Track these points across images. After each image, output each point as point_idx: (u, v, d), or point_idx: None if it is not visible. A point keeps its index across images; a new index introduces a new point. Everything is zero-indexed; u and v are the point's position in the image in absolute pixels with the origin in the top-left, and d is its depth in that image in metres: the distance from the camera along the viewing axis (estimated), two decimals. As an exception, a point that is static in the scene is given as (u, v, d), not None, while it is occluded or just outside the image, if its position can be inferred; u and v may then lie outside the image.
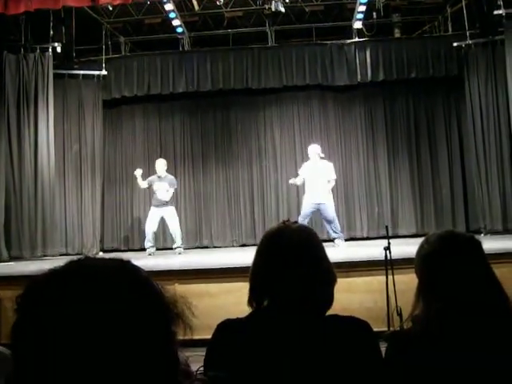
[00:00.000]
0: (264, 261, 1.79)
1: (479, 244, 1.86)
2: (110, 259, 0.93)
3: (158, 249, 9.46)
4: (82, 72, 10.31)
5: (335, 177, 8.97)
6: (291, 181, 9.08)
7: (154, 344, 0.85)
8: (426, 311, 1.76)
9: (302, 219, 8.53)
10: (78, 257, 0.92)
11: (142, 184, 9.32)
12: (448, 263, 1.78)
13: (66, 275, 0.86)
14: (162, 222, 9.31)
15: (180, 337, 0.92)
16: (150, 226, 9.20)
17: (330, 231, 8.83)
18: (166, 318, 0.89)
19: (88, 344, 0.80)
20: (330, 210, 8.82)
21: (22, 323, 0.83)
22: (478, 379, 1.61)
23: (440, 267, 1.79)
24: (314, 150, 8.99)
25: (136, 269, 0.92)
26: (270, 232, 1.86)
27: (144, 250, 9.30)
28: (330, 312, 1.83)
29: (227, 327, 1.79)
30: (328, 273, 1.81)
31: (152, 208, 9.26)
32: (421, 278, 1.86)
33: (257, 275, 1.81)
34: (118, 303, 0.83)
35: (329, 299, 1.79)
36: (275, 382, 1.63)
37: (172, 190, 9.22)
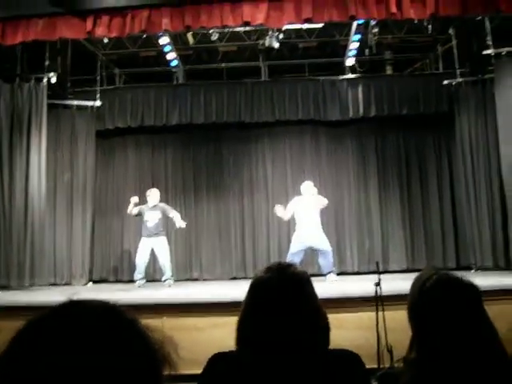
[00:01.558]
0: (252, 312, 1.77)
1: (478, 292, 1.78)
2: (96, 304, 0.92)
3: (147, 281, 9.38)
4: (76, 102, 10.36)
5: (326, 201, 8.95)
6: (279, 212, 8.87)
7: None
8: (418, 359, 1.72)
9: (292, 257, 8.44)
10: (63, 301, 0.91)
11: (133, 210, 9.23)
12: (444, 315, 1.71)
13: (49, 325, 0.86)
14: (152, 253, 9.23)
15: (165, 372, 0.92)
16: (141, 258, 9.12)
17: (324, 266, 8.78)
18: (152, 364, 0.88)
19: None
20: (326, 246, 8.78)
21: (7, 362, 0.83)
22: None
23: (435, 318, 1.73)
24: (308, 186, 9.00)
25: (122, 314, 0.91)
26: (259, 280, 1.83)
27: (133, 281, 9.22)
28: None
29: (219, 360, 1.78)
30: (322, 322, 1.80)
31: (143, 239, 9.18)
32: (415, 326, 1.80)
33: (246, 325, 1.79)
34: (102, 353, 0.83)
35: (324, 344, 1.78)
36: None
37: (176, 213, 9.13)
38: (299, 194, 9.15)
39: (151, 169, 11.14)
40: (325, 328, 1.80)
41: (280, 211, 8.88)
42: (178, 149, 11.18)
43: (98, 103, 10.43)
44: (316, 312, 1.80)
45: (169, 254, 9.24)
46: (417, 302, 1.80)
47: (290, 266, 1.88)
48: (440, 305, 1.73)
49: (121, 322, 0.90)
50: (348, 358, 1.77)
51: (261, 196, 10.96)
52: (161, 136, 11.07)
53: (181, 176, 11.11)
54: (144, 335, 0.90)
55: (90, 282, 10.30)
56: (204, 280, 10.51)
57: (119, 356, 0.84)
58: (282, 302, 1.75)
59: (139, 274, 9.12)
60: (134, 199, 9.21)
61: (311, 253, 9.04)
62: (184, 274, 10.61)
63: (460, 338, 1.68)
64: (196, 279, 10.63)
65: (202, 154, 11.11)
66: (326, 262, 8.79)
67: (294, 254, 8.61)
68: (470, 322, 1.70)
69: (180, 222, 9.06)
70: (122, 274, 10.77)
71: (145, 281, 9.20)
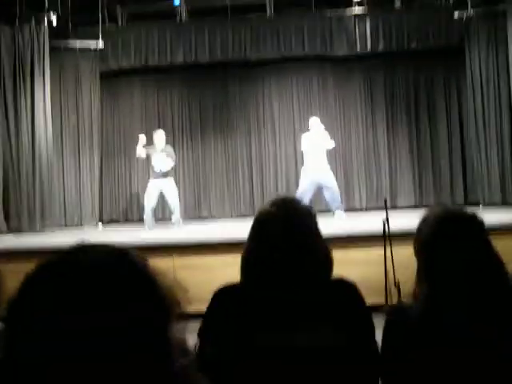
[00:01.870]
0: (257, 246, 1.80)
1: (481, 223, 1.79)
2: (107, 249, 0.93)
3: (157, 220, 9.45)
4: (78, 43, 10.19)
5: (332, 146, 8.99)
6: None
7: (148, 335, 0.86)
8: (425, 293, 1.73)
9: (301, 195, 8.48)
10: (74, 245, 0.92)
11: (141, 151, 9.19)
12: (448, 247, 1.72)
13: (59, 270, 0.87)
14: (161, 195, 9.27)
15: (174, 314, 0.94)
16: (149, 202, 9.15)
17: (331, 202, 8.84)
18: (161, 309, 0.90)
19: (79, 331, 0.81)
20: (332, 182, 8.83)
21: (17, 305, 0.85)
22: (475, 362, 1.61)
23: (439, 251, 1.74)
24: (316, 121, 8.96)
25: (133, 259, 0.92)
26: (264, 214, 1.85)
27: (143, 221, 9.30)
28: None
29: (224, 293, 1.82)
30: (325, 256, 1.83)
31: (151, 180, 9.19)
32: (420, 260, 1.82)
33: (249, 260, 1.82)
34: (113, 295, 0.85)
35: (326, 278, 1.82)
36: (270, 342, 1.66)
37: (170, 161, 9.12)
38: (306, 130, 9.10)
39: (157, 109, 11.08)
40: (327, 262, 1.84)
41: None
42: (184, 88, 11.07)
43: (100, 43, 10.25)
44: (319, 246, 1.83)
45: (177, 195, 9.28)
46: (422, 235, 1.82)
47: (294, 200, 1.90)
48: (444, 236, 1.75)
49: (131, 266, 0.91)
50: (344, 287, 1.83)
51: (268, 134, 10.91)
52: (166, 75, 10.94)
53: (187, 115, 11.04)
54: (153, 280, 0.92)
55: (100, 223, 10.40)
56: (213, 218, 10.59)
57: (129, 301, 0.86)
58: (286, 236, 1.77)
59: (147, 216, 9.18)
60: (142, 137, 9.14)
61: (319, 191, 9.04)
62: (193, 212, 10.70)
63: (466, 269, 1.69)
64: (205, 217, 10.72)
65: (207, 92, 11.00)
66: (334, 198, 8.84)
67: (302, 193, 8.64)
68: (475, 252, 1.72)
69: (165, 166, 9.02)
70: (132, 214, 10.88)
71: (154, 221, 9.26)
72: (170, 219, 9.34)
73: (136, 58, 10.42)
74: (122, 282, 0.88)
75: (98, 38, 10.23)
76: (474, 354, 1.61)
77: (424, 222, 1.86)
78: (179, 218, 9.22)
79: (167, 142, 9.41)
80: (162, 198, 9.43)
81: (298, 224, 1.81)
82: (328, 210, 8.74)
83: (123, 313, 0.84)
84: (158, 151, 9.13)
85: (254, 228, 1.86)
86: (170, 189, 9.15)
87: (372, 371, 1.77)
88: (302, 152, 9.05)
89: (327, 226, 7.59)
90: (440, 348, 1.63)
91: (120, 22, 10.78)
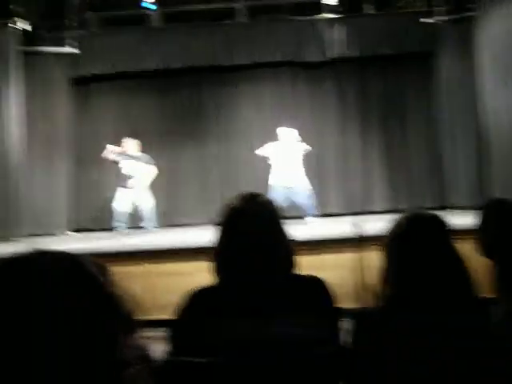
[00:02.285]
0: (227, 240, 1.86)
1: (443, 224, 1.85)
2: (58, 254, 0.93)
3: (129, 228, 9.37)
4: (49, 49, 10.08)
5: (306, 148, 9.00)
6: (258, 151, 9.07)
7: (95, 341, 0.87)
8: (390, 291, 1.77)
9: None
10: (28, 250, 0.92)
11: (110, 155, 9.09)
12: (410, 244, 1.79)
13: (12, 268, 0.88)
14: (135, 202, 9.19)
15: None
16: (119, 206, 9.07)
17: (303, 207, 8.84)
18: (111, 316, 0.90)
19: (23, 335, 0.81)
20: (304, 189, 8.82)
21: None
22: (440, 363, 1.62)
23: (402, 247, 1.79)
24: (284, 131, 8.96)
25: (85, 266, 0.93)
26: (233, 209, 1.93)
27: (114, 229, 9.21)
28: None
29: (195, 296, 1.86)
30: (287, 246, 1.92)
31: (120, 189, 9.10)
32: (385, 258, 1.86)
33: (220, 250, 1.90)
34: (61, 300, 0.85)
35: (289, 265, 1.90)
36: (242, 348, 1.67)
37: (147, 168, 9.05)
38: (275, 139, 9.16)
39: (130, 115, 10.98)
40: (289, 253, 1.92)
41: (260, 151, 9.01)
42: (157, 94, 11.00)
43: (72, 49, 10.16)
44: (285, 239, 1.92)
45: (149, 202, 9.21)
46: (388, 238, 1.88)
47: (258, 194, 1.99)
48: (407, 236, 1.82)
49: (81, 272, 0.91)
50: (313, 282, 1.90)
51: (240, 140, 10.88)
52: (138, 81, 10.87)
53: (160, 122, 10.96)
54: (105, 288, 0.92)
55: (71, 232, 10.27)
56: (184, 225, 10.52)
57: (77, 306, 0.86)
58: (253, 228, 1.85)
59: (118, 221, 9.09)
60: (110, 148, 9.08)
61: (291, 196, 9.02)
62: (165, 220, 10.60)
63: (428, 268, 1.74)
64: (179, 224, 10.64)
65: (180, 98, 10.96)
66: (306, 203, 8.83)
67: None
68: (436, 254, 1.77)
69: (142, 176, 8.94)
70: (104, 222, 10.73)
71: (125, 228, 9.16)
72: (142, 227, 9.25)
73: (108, 63, 10.36)
74: (71, 287, 0.87)
75: (69, 44, 10.13)
76: (439, 353, 1.62)
77: (392, 225, 1.92)
78: (152, 223, 9.16)
79: (142, 150, 9.34)
80: (133, 206, 9.34)
81: (264, 214, 1.89)
82: (299, 216, 8.72)
83: (69, 318, 0.84)
84: (129, 158, 9.05)
85: (223, 220, 1.94)
86: (142, 198, 9.08)
87: (335, 366, 1.78)
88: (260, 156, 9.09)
89: (299, 230, 7.58)
90: (404, 347, 1.64)
91: (92, 28, 10.69)
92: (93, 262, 2.02)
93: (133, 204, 9.17)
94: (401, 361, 1.64)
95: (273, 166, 8.95)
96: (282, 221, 1.93)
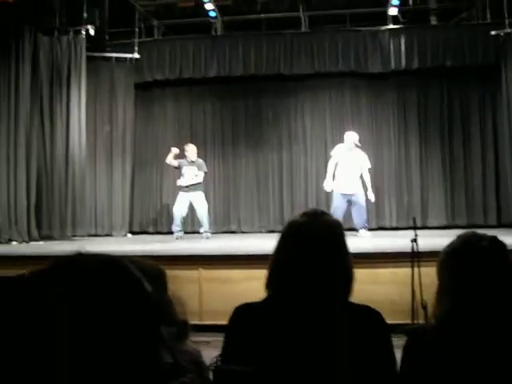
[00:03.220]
0: (286, 253, 1.81)
1: (503, 246, 1.80)
2: (103, 257, 0.93)
3: (185, 232, 9.49)
4: (114, 55, 10.37)
5: (370, 166, 8.92)
6: (326, 187, 8.96)
7: (131, 343, 0.86)
8: (443, 310, 1.73)
9: (335, 210, 8.43)
10: (73, 253, 0.93)
11: (173, 161, 9.28)
12: (466, 263, 1.74)
13: (56, 273, 0.88)
14: (191, 206, 9.32)
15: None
16: (178, 210, 9.23)
17: (357, 221, 8.75)
18: (149, 318, 0.89)
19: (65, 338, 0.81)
20: (361, 201, 8.76)
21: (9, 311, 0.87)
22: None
23: (458, 267, 1.75)
24: (352, 137, 8.92)
25: (128, 269, 0.92)
26: (296, 224, 1.86)
27: (172, 233, 9.35)
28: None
29: (244, 311, 1.81)
30: (345, 271, 1.82)
31: (180, 192, 9.28)
32: (440, 277, 1.82)
33: (277, 266, 1.82)
34: (104, 304, 0.85)
35: (346, 292, 1.81)
36: (288, 365, 1.64)
37: (202, 174, 9.21)
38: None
39: (190, 121, 11.15)
40: (349, 280, 1.82)
41: (328, 185, 8.92)
42: (217, 101, 11.13)
43: (136, 55, 10.42)
44: (348, 261, 1.83)
45: (207, 208, 9.31)
46: (444, 255, 1.83)
47: (324, 213, 1.91)
48: (463, 259, 1.76)
49: (124, 276, 0.91)
50: (369, 315, 1.78)
51: (299, 149, 10.88)
52: (199, 88, 11.02)
53: (219, 128, 11.09)
54: (146, 291, 0.91)
55: (130, 234, 10.49)
56: (242, 233, 10.58)
57: (113, 309, 0.86)
58: (313, 247, 1.77)
59: (177, 226, 9.23)
60: (175, 150, 9.28)
61: (347, 207, 8.96)
62: (222, 226, 10.70)
63: (484, 293, 1.69)
64: (234, 232, 10.71)
65: (240, 106, 11.05)
66: (360, 216, 8.76)
67: (336, 208, 8.60)
68: (493, 274, 1.71)
69: (187, 182, 9.08)
70: (162, 225, 10.93)
71: (183, 233, 9.31)
72: (199, 232, 9.37)
73: (170, 70, 10.56)
74: (114, 291, 0.88)
75: (133, 50, 10.39)
76: (490, 375, 1.58)
77: (449, 244, 1.87)
78: (208, 230, 9.25)
79: (199, 155, 9.48)
80: (191, 211, 9.47)
81: (326, 235, 1.82)
82: (352, 228, 8.64)
83: (113, 322, 0.84)
84: (190, 164, 9.20)
85: (283, 235, 1.87)
86: (199, 201, 9.20)
87: None
88: (329, 156, 8.99)
89: (353, 243, 7.51)
90: (455, 367, 1.61)
91: (156, 35, 10.93)
92: (151, 265, 2.05)
93: (190, 208, 9.30)
94: (450, 380, 1.61)
95: (337, 170, 8.90)
96: (345, 244, 1.86)
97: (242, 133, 11.02)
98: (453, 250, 1.81)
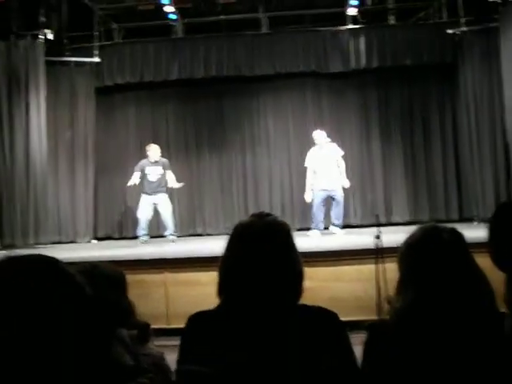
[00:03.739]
0: (234, 256, 1.79)
1: (462, 237, 1.83)
2: (35, 258, 0.93)
3: (151, 236, 9.42)
4: (74, 59, 10.24)
5: (342, 153, 9.08)
6: (307, 198, 9.04)
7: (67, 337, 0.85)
8: (402, 303, 1.75)
9: (317, 210, 8.69)
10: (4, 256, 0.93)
11: (135, 179, 9.19)
12: (426, 255, 1.76)
13: None
14: (155, 209, 9.26)
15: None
16: (143, 214, 9.15)
17: (332, 217, 8.87)
18: (84, 318, 0.89)
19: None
20: (340, 198, 8.93)
21: None
22: (449, 373, 1.61)
23: (418, 259, 1.77)
24: (321, 135, 9.05)
25: (62, 269, 0.92)
26: (241, 225, 1.85)
27: (137, 237, 9.28)
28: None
29: (198, 319, 1.79)
30: (295, 270, 1.80)
31: (143, 195, 9.19)
32: (400, 269, 1.84)
33: (225, 269, 1.80)
34: (37, 304, 0.85)
35: (297, 293, 1.78)
36: (244, 371, 1.63)
37: (171, 173, 9.14)
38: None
39: (152, 125, 11.08)
40: (298, 282, 1.80)
41: (308, 196, 9.01)
42: (179, 104, 11.09)
43: (96, 59, 10.31)
44: (293, 261, 1.81)
45: (171, 210, 9.27)
46: (403, 250, 1.85)
47: (270, 214, 1.89)
48: (423, 251, 1.78)
49: (58, 275, 0.90)
50: (324, 316, 1.77)
51: (263, 150, 10.91)
52: (161, 91, 10.96)
53: (182, 131, 11.05)
54: (82, 289, 0.91)
55: (94, 240, 10.37)
56: (207, 235, 10.56)
57: (43, 309, 0.86)
58: (260, 246, 1.76)
59: (142, 229, 9.16)
60: (136, 179, 9.17)
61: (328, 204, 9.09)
62: (187, 229, 10.66)
63: (444, 285, 1.71)
64: (199, 234, 10.68)
65: (202, 108, 11.02)
66: (336, 213, 8.90)
67: (318, 206, 8.79)
68: (454, 267, 1.72)
69: (174, 183, 9.08)
70: (127, 230, 10.83)
71: (148, 237, 9.24)
72: (164, 236, 9.32)
73: (131, 73, 10.49)
74: (47, 291, 0.87)
75: (93, 54, 10.28)
76: (451, 366, 1.60)
77: (409, 236, 1.89)
78: (174, 233, 9.21)
79: (163, 157, 9.43)
80: (156, 214, 9.40)
81: (275, 235, 1.80)
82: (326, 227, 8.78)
83: (43, 322, 0.84)
84: (152, 164, 9.13)
85: (230, 240, 1.85)
86: (163, 204, 9.15)
87: None
88: (305, 168, 9.06)
89: (319, 242, 7.54)
90: (415, 359, 1.63)
91: (116, 38, 10.83)
92: (111, 269, 2.03)
93: (154, 210, 9.24)
94: (411, 373, 1.63)
95: (314, 172, 8.97)
96: (293, 243, 1.83)
97: (205, 135, 10.99)
98: (413, 242, 1.83)
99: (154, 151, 9.22)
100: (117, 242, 10.20)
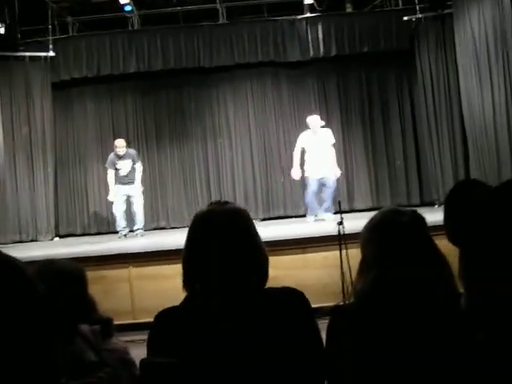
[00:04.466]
0: (193, 246, 1.77)
1: (420, 218, 1.85)
2: None
3: (112, 232, 9.33)
4: (28, 54, 10.01)
5: (333, 141, 9.08)
6: (296, 176, 9.01)
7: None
8: (363, 285, 1.77)
9: (312, 196, 8.69)
10: None
11: (113, 191, 9.05)
12: (386, 237, 1.78)
13: None
14: (128, 200, 9.15)
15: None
16: (119, 206, 9.04)
17: (324, 204, 8.86)
18: (34, 315, 0.88)
19: None
20: (332, 184, 8.91)
21: None
22: (407, 352, 1.63)
23: (378, 241, 1.79)
24: (316, 120, 9.01)
25: (14, 266, 0.90)
26: (199, 215, 1.83)
27: (101, 233, 9.18)
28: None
29: (165, 316, 1.77)
30: (259, 254, 1.79)
31: (117, 186, 9.06)
32: (362, 252, 1.86)
33: (188, 260, 1.78)
34: None
35: (262, 279, 1.78)
36: (214, 364, 1.63)
37: (140, 165, 9.08)
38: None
39: (111, 118, 10.93)
40: (263, 265, 1.80)
41: (296, 173, 8.97)
42: (138, 97, 10.96)
43: (51, 54, 10.10)
44: (255, 242, 1.80)
45: (142, 203, 9.20)
46: (365, 233, 1.87)
47: (228, 202, 1.87)
48: (385, 233, 1.80)
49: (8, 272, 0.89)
50: (291, 296, 1.77)
51: (224, 141, 10.88)
52: (119, 84, 10.82)
53: (142, 124, 10.93)
54: (34, 286, 0.90)
55: (57, 237, 10.21)
56: (172, 228, 10.49)
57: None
58: (220, 233, 1.74)
59: (119, 224, 9.06)
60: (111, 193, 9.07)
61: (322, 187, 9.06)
62: (151, 223, 10.56)
63: (405, 266, 1.72)
64: (163, 228, 10.61)
65: (162, 101, 10.92)
66: (328, 199, 8.87)
67: (312, 195, 8.79)
68: (415, 249, 1.74)
69: (139, 178, 9.02)
70: (89, 226, 10.70)
71: (128, 230, 9.12)
72: (132, 230, 9.20)
73: (88, 67, 10.31)
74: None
75: (48, 49, 10.07)
76: (411, 347, 1.63)
77: (370, 219, 1.92)
78: (142, 227, 9.16)
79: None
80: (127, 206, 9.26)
81: (234, 220, 1.79)
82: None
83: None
84: (120, 158, 9.03)
85: (190, 230, 1.82)
86: (136, 195, 9.08)
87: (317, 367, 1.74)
88: (302, 150, 9.04)
89: (285, 230, 7.56)
90: (376, 342, 1.65)
91: (71, 32, 10.62)
92: (71, 265, 2.00)
93: (128, 203, 9.12)
94: (372, 352, 1.65)
95: (307, 157, 8.94)
96: (253, 227, 1.82)
97: (166, 127, 10.91)
98: (373, 224, 1.85)
99: (119, 145, 9.11)
100: (80, 238, 10.06)
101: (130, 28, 10.63)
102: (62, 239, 10.16)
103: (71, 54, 10.29)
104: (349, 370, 1.69)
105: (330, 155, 8.95)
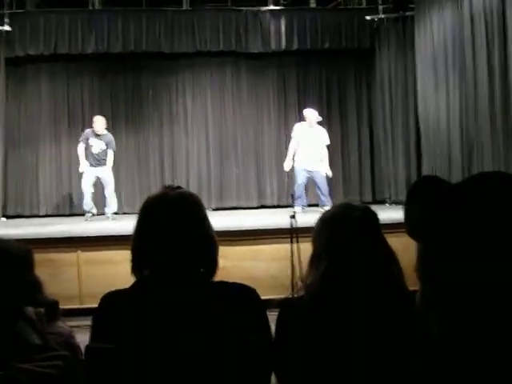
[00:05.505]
0: (144, 230, 1.76)
1: (372, 214, 1.88)
2: None
3: (68, 215, 9.15)
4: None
5: (328, 142, 9.03)
6: (286, 167, 8.94)
7: None
8: (313, 278, 1.78)
9: (298, 187, 8.59)
10: None
11: (84, 163, 8.85)
12: (336, 231, 1.80)
13: None
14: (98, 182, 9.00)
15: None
16: (87, 187, 8.85)
17: (322, 198, 8.79)
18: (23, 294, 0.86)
19: None
20: (322, 178, 8.83)
21: None
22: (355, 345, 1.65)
23: (329, 235, 1.81)
24: (313, 114, 8.96)
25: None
26: (150, 200, 1.81)
27: (53, 215, 8.99)
28: (233, 279, 1.83)
29: (111, 299, 1.75)
30: (209, 240, 1.78)
31: (87, 168, 8.86)
32: (313, 245, 1.88)
33: (137, 245, 1.76)
34: None
35: (212, 266, 1.77)
36: (159, 351, 1.61)
37: (111, 152, 8.91)
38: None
39: (66, 99, 10.68)
40: (213, 252, 1.78)
41: (287, 165, 8.89)
42: (95, 78, 10.75)
43: (6, 28, 9.79)
44: (206, 228, 1.79)
45: (113, 185, 9.04)
46: (317, 226, 1.89)
47: (180, 187, 1.87)
48: (336, 228, 1.82)
49: None
50: (243, 292, 1.76)
51: (180, 128, 10.80)
52: (76, 64, 10.57)
53: (98, 107, 10.68)
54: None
55: (4, 218, 9.94)
56: (124, 214, 10.34)
57: None
58: (169, 217, 1.73)
59: (86, 205, 8.89)
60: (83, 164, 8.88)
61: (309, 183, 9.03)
62: (102, 208, 10.38)
63: (355, 261, 1.74)
64: (116, 213, 10.45)
65: (120, 84, 10.75)
66: (323, 193, 8.79)
67: (299, 184, 8.70)
68: (363, 244, 1.77)
69: (109, 166, 8.88)
70: (38, 208, 10.47)
71: (95, 210, 8.97)
72: (104, 214, 9.04)
73: (45, 45, 10.05)
74: None
75: (3, 23, 9.76)
76: (360, 342, 1.65)
77: (324, 213, 1.96)
78: (114, 211, 9.01)
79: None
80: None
81: (183, 204, 1.78)
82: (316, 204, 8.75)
83: None
84: (96, 137, 8.84)
85: (140, 214, 1.81)
86: (107, 177, 8.92)
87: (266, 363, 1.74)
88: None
89: (237, 221, 7.54)
90: (324, 335, 1.66)
91: (28, 7, 10.32)
92: (16, 246, 1.95)
93: (98, 184, 8.95)
94: (320, 346, 1.67)
95: (298, 148, 8.88)
96: (204, 213, 1.81)
97: (122, 111, 10.74)
98: (325, 218, 1.87)
99: (99, 123, 8.91)
100: (28, 219, 9.82)
101: (90, 7, 10.40)
102: (9, 220, 9.90)
103: (28, 30, 10.00)
104: (296, 363, 1.70)
105: (323, 154, 8.92)
